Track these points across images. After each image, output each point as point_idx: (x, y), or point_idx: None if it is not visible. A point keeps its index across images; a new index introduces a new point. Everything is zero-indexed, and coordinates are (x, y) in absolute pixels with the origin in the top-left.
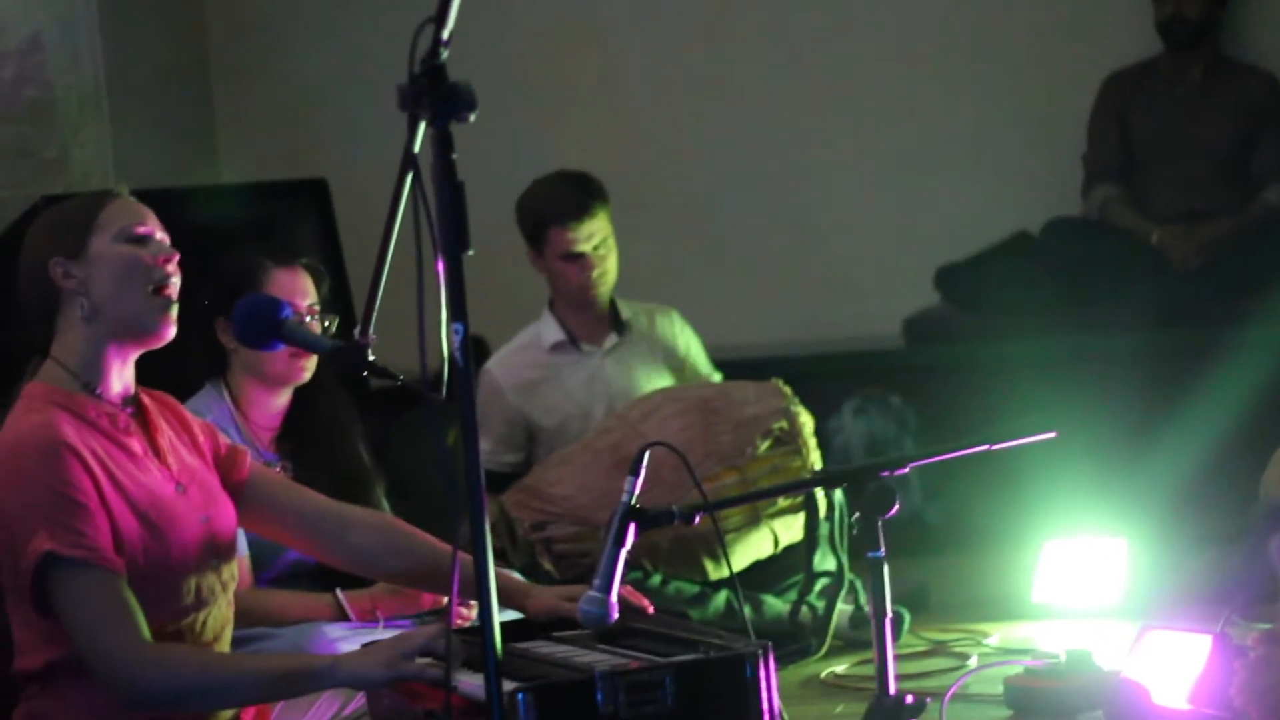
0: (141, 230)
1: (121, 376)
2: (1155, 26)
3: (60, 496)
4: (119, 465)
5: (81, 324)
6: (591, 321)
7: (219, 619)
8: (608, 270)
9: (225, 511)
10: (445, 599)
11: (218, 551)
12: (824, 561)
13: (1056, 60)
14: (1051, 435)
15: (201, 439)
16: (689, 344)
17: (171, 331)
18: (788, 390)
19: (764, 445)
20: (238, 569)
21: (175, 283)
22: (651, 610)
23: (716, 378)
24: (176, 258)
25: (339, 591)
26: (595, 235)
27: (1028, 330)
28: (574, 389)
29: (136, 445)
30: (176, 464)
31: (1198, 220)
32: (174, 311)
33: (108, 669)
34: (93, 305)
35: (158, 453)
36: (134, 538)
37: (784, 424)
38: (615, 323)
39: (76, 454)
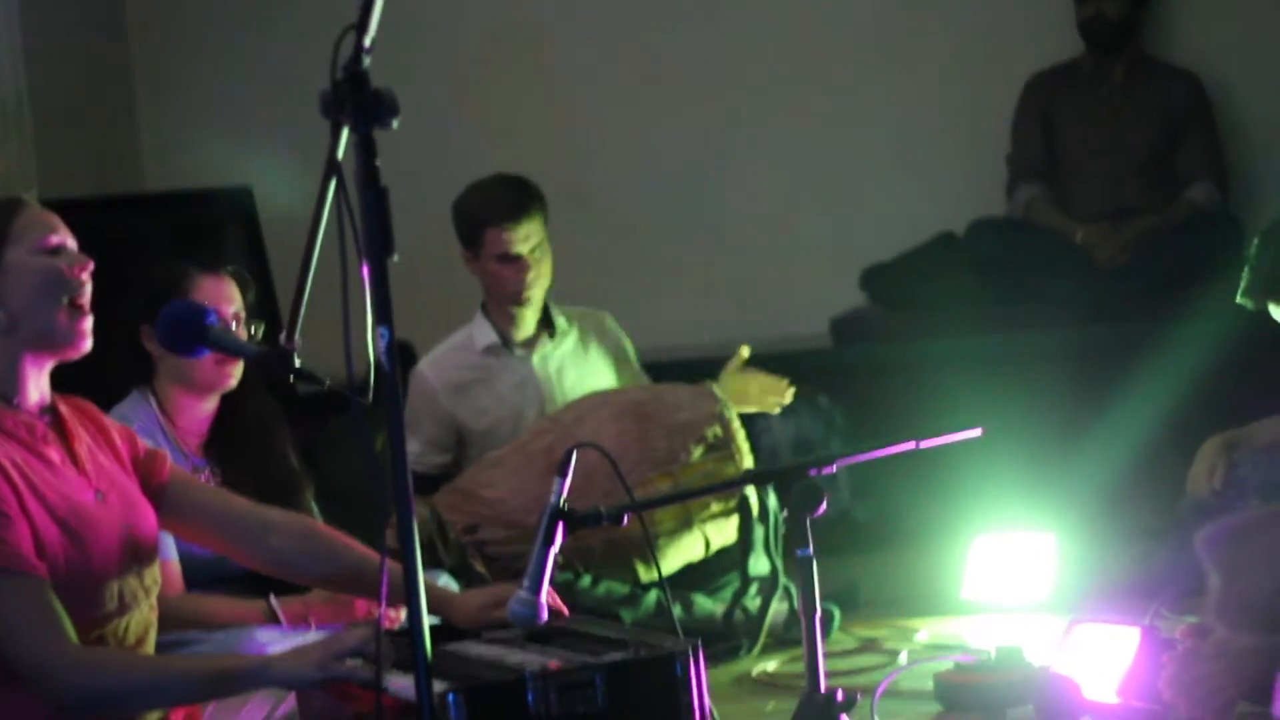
0: (55, 240)
1: (39, 386)
2: (1077, 27)
3: None
4: (37, 474)
5: None
6: (525, 325)
7: (142, 623)
8: (543, 274)
9: (145, 516)
10: (378, 609)
11: (139, 556)
12: (758, 565)
13: (979, 61)
14: (977, 433)
15: (120, 444)
16: (621, 348)
17: (87, 344)
18: (721, 393)
19: (698, 451)
20: (160, 573)
21: (88, 291)
22: (568, 614)
23: (645, 382)
24: (90, 266)
25: (272, 597)
26: (531, 238)
27: (954, 329)
28: (505, 391)
29: (54, 454)
30: (95, 471)
31: (1122, 219)
32: (89, 323)
33: (37, 674)
34: (9, 318)
35: (76, 461)
36: (55, 545)
37: (718, 430)
38: (548, 326)
39: None
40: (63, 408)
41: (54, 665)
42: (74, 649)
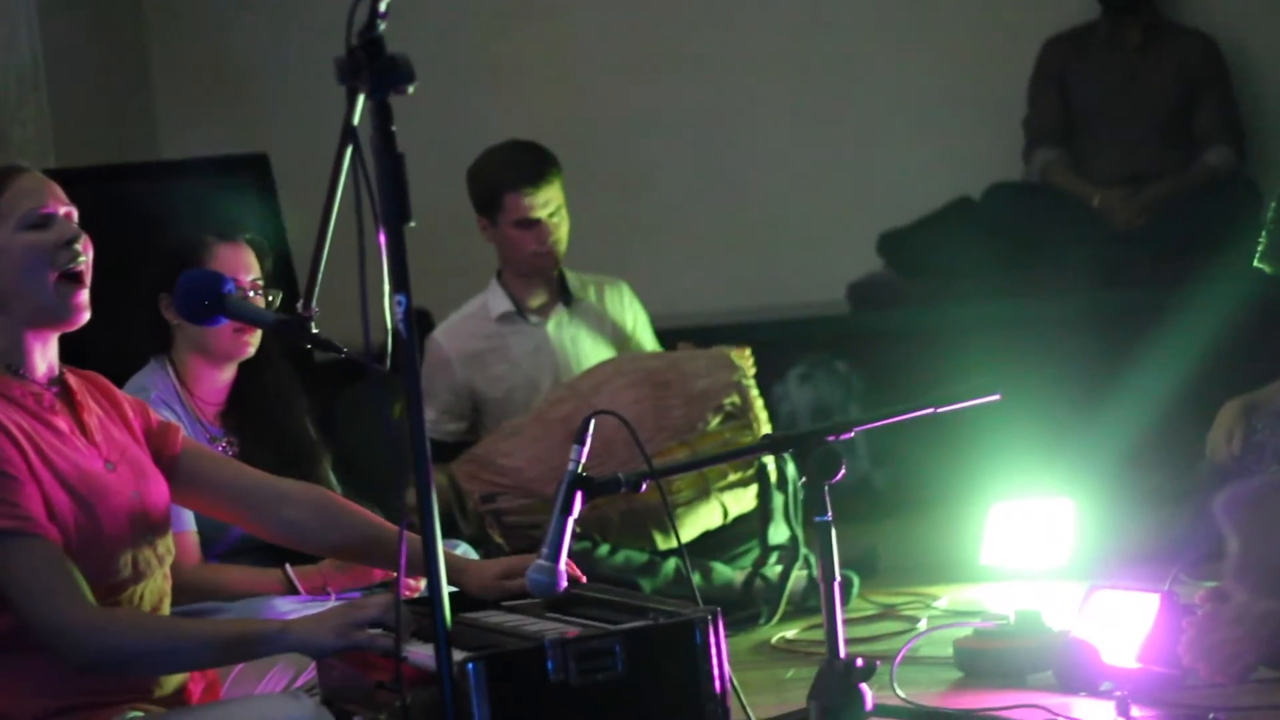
0: (45, 211)
1: (45, 357)
2: None
3: None
4: (46, 442)
5: None
6: (540, 292)
7: (156, 591)
8: (561, 239)
9: (157, 487)
10: (394, 573)
11: (151, 526)
12: (778, 534)
13: (996, 25)
14: (996, 398)
15: (132, 416)
16: (637, 318)
17: (85, 315)
18: (740, 360)
19: (715, 421)
20: (176, 544)
21: (84, 261)
22: (584, 580)
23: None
24: (83, 237)
25: (288, 566)
26: (551, 202)
27: (971, 294)
28: (521, 359)
29: (63, 424)
30: (105, 442)
31: (1139, 182)
32: (84, 295)
33: (55, 634)
34: (3, 295)
35: (85, 431)
36: (64, 511)
37: (735, 399)
38: (563, 293)
39: (2, 429)
40: (72, 379)
41: (73, 626)
42: (92, 609)
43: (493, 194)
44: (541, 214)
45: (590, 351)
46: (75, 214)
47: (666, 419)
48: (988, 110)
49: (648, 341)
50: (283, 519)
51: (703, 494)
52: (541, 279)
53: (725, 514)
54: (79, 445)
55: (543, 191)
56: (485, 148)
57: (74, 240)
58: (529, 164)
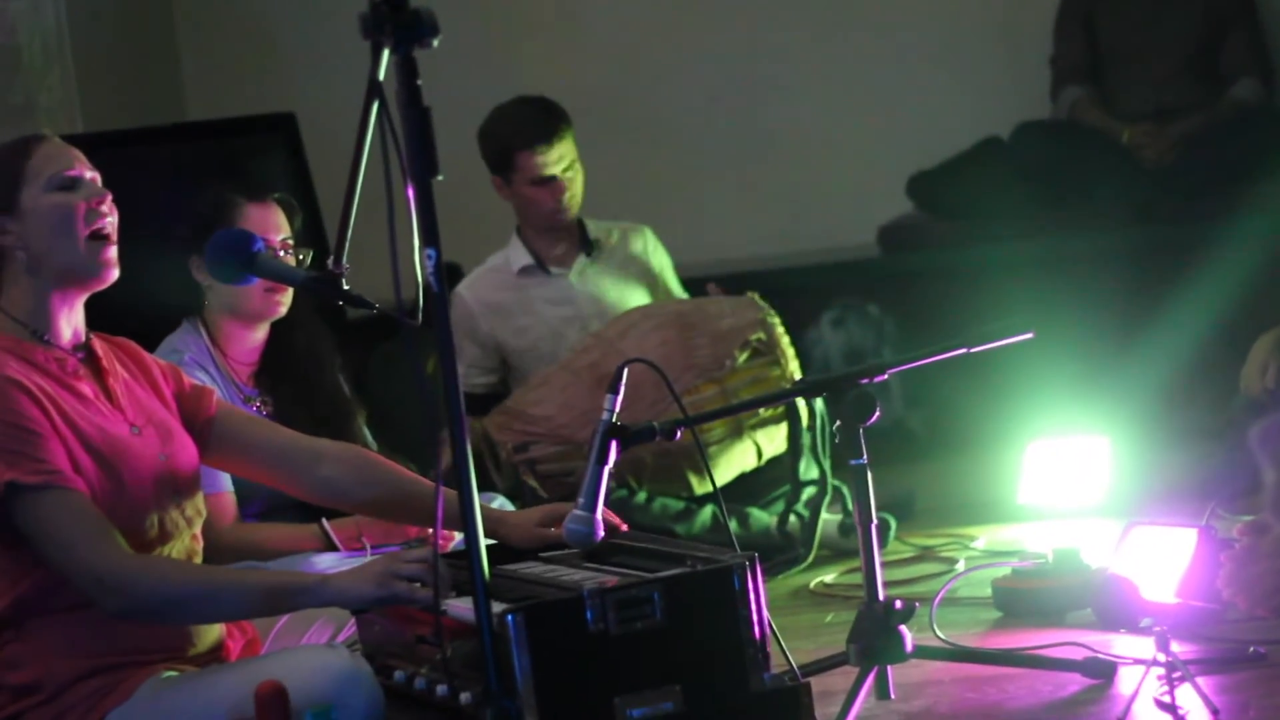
0: (71, 174)
1: (70, 322)
2: None
3: (13, 428)
4: (70, 406)
5: (24, 276)
6: (560, 244)
7: (183, 551)
8: (576, 192)
9: (185, 450)
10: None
11: (178, 489)
12: (809, 471)
13: None
14: (1029, 336)
15: (161, 381)
16: (662, 263)
17: (114, 273)
18: (763, 302)
19: (743, 357)
20: (208, 505)
21: (111, 222)
22: (625, 528)
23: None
24: (109, 198)
25: (324, 520)
26: (564, 158)
27: (1002, 234)
28: (544, 311)
29: (87, 389)
30: (131, 406)
31: (1167, 118)
32: (113, 252)
33: (94, 582)
34: (32, 257)
35: (110, 396)
36: (89, 471)
37: (761, 335)
38: (584, 243)
39: (24, 389)
40: (98, 345)
41: (113, 571)
42: (130, 555)
43: (505, 154)
44: (555, 170)
45: (615, 299)
46: (99, 179)
47: (694, 358)
48: (1014, 49)
49: (674, 284)
50: (319, 478)
51: (735, 433)
52: (561, 231)
53: (760, 454)
54: (103, 410)
55: (555, 148)
56: (513, 96)
57: (101, 200)
58: (539, 121)
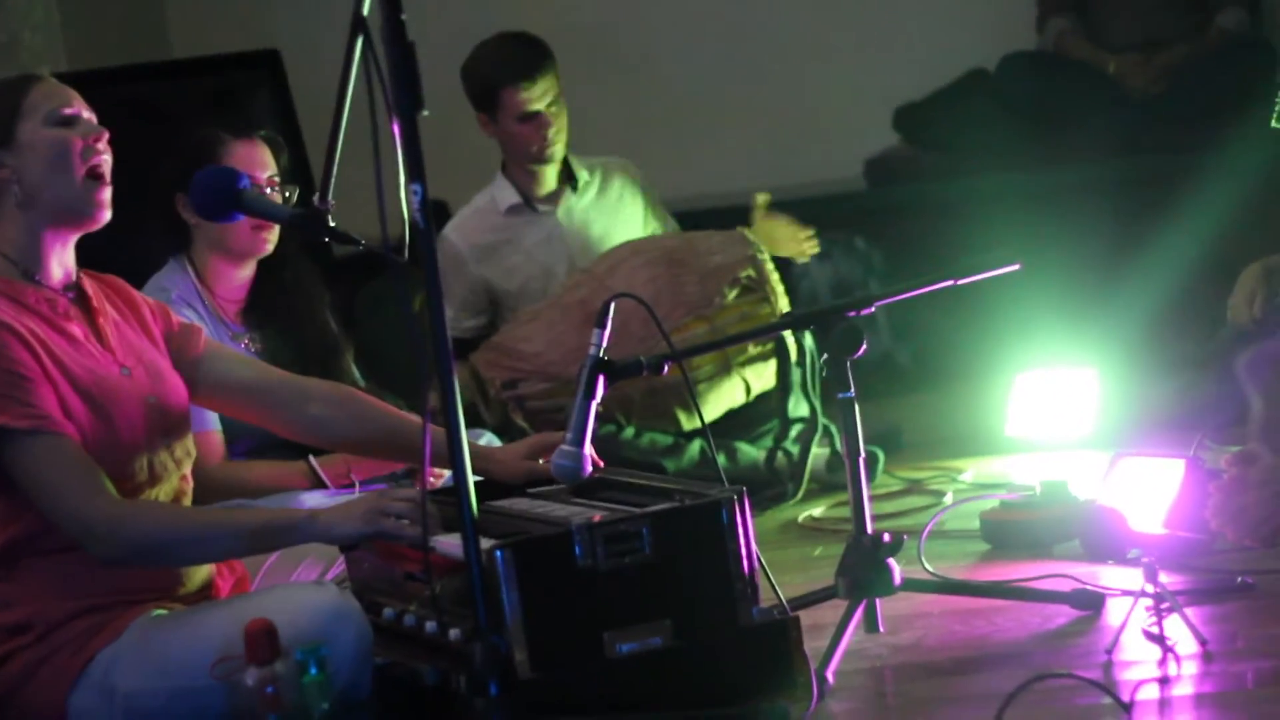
0: (69, 111)
1: (61, 262)
2: None
3: (4, 372)
4: (60, 348)
5: (17, 212)
6: (546, 181)
7: (171, 493)
8: (562, 128)
9: (175, 389)
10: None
11: (167, 430)
12: (798, 407)
13: None
14: (1015, 267)
15: (151, 320)
16: (647, 193)
17: (107, 214)
18: (754, 238)
19: (732, 294)
20: (196, 445)
21: (107, 161)
22: (603, 465)
23: (673, 225)
24: (106, 136)
25: (311, 458)
26: (548, 93)
27: (989, 166)
28: (533, 249)
29: (77, 330)
30: (120, 346)
31: (1154, 48)
32: (108, 193)
33: (83, 527)
34: (26, 192)
35: (100, 336)
36: (79, 416)
37: (751, 272)
38: (570, 179)
39: (15, 333)
40: (88, 284)
41: (101, 518)
42: (118, 501)
43: (489, 91)
44: (540, 105)
45: (602, 234)
46: (95, 119)
47: (682, 295)
48: None
49: (660, 215)
50: (307, 416)
51: (724, 369)
52: (547, 168)
53: (748, 390)
54: (93, 351)
55: (539, 84)
56: (499, 30)
57: (98, 138)
58: (523, 57)
